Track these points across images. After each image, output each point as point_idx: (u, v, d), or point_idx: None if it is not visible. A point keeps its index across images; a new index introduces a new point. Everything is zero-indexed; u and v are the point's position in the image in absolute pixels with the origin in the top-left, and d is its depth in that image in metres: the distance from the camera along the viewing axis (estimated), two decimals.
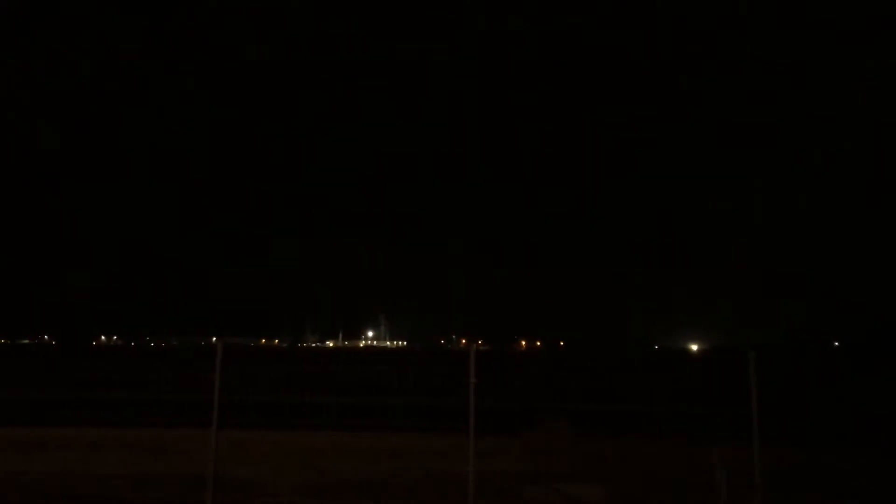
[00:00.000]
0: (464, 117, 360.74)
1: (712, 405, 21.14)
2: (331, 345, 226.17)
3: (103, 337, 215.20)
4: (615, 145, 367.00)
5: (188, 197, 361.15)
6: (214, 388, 8.25)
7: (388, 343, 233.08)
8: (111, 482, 9.81)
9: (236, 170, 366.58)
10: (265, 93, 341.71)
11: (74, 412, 19.25)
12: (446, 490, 9.51)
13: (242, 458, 11.26)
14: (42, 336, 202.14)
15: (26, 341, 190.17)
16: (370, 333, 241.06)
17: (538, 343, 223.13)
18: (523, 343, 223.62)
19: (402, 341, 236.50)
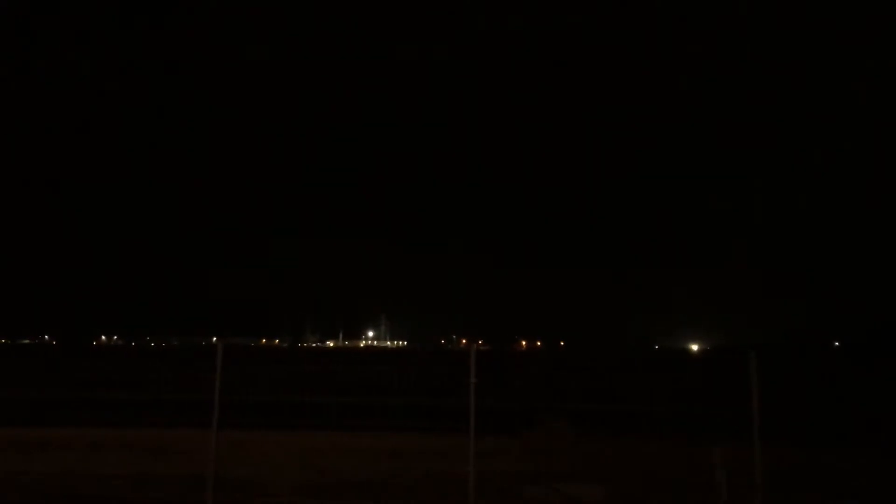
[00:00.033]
0: (464, 117, 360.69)
1: (712, 405, 21.15)
2: (331, 345, 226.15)
3: (104, 337, 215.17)
4: (615, 145, 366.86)
5: (188, 197, 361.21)
6: (215, 388, 8.24)
7: (388, 343, 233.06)
8: (111, 482, 9.81)
9: (236, 170, 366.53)
10: (265, 93, 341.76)
11: (74, 412, 19.25)
12: (446, 490, 9.51)
13: (242, 458, 11.26)
14: (42, 336, 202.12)
15: (27, 341, 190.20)
16: (370, 333, 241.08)
17: (538, 343, 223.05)
18: (523, 343, 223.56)
19: (403, 341, 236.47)
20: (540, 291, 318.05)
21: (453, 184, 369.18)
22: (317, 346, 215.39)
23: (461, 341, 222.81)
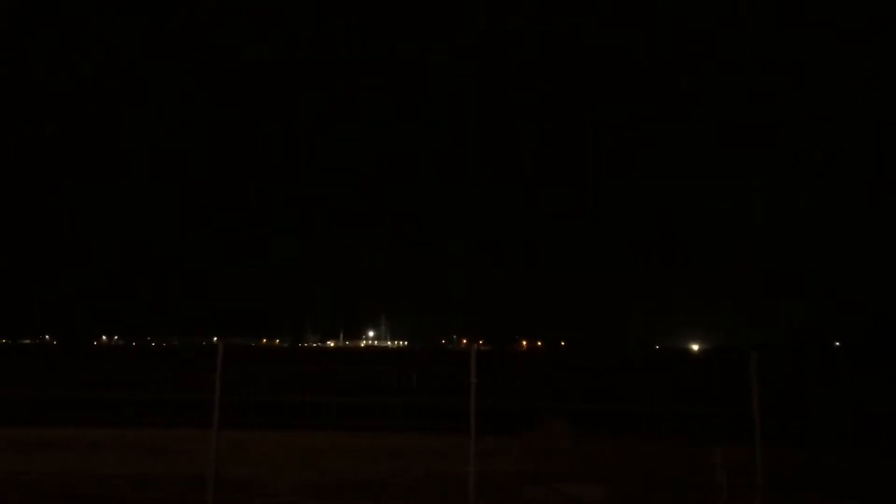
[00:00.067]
0: (464, 117, 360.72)
1: (713, 405, 21.14)
2: (332, 345, 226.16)
3: (104, 337, 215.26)
4: (615, 145, 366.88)
5: (188, 197, 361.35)
6: (215, 388, 8.24)
7: (388, 343, 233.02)
8: (111, 482, 9.80)
9: (236, 170, 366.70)
10: (265, 93, 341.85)
11: (74, 412, 19.25)
12: (446, 490, 9.51)
13: (243, 458, 11.26)
14: (43, 336, 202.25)
15: (27, 341, 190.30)
16: (371, 333, 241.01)
17: (539, 343, 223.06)
18: (524, 343, 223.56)
19: (403, 341, 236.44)
20: (540, 291, 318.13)
21: (453, 184, 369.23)
22: (317, 346, 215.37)
23: (462, 341, 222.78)
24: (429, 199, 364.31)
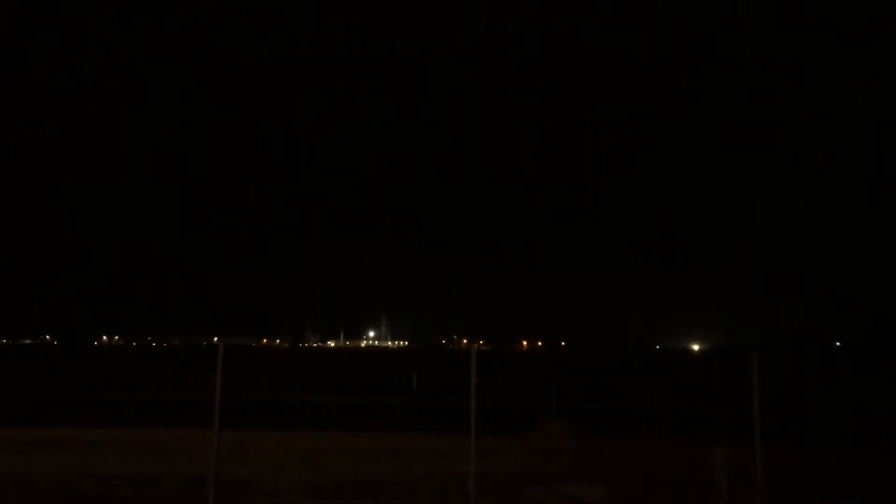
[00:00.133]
0: (464, 117, 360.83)
1: (713, 405, 21.14)
2: (332, 345, 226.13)
3: (105, 337, 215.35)
4: (615, 145, 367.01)
5: (188, 197, 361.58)
6: (216, 388, 8.23)
7: (389, 343, 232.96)
8: (111, 482, 9.80)
9: (236, 170, 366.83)
10: (265, 93, 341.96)
11: (74, 412, 19.27)
12: (446, 490, 9.51)
13: (243, 458, 11.25)
14: (44, 336, 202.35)
15: (28, 341, 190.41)
16: (371, 333, 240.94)
17: (539, 343, 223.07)
18: (524, 343, 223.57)
19: (404, 341, 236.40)
20: (540, 291, 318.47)
21: (453, 184, 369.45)
22: (317, 346, 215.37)
23: (462, 341, 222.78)
24: (429, 199, 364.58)
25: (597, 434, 14.36)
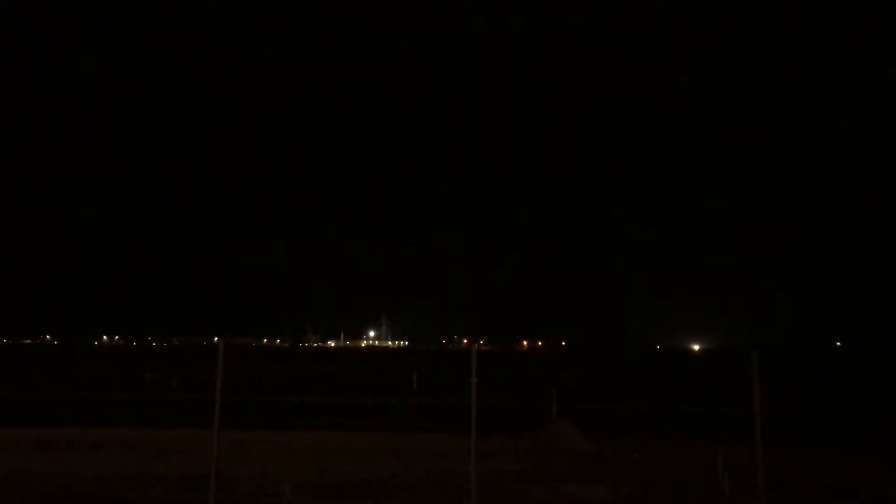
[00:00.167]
0: (464, 117, 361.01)
1: (713, 405, 21.13)
2: (332, 345, 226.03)
3: (105, 337, 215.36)
4: (615, 145, 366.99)
5: (188, 197, 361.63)
6: (216, 387, 8.22)
7: (389, 343, 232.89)
8: (111, 482, 9.80)
9: (236, 170, 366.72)
10: (265, 93, 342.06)
11: (74, 412, 19.27)
12: (447, 490, 9.50)
13: (243, 457, 11.24)
14: (44, 336, 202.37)
15: (28, 341, 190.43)
16: (371, 333, 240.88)
17: (539, 343, 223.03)
18: (525, 343, 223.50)
19: (404, 341, 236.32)
20: (540, 291, 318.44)
21: (453, 184, 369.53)
22: (318, 346, 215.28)
23: (462, 341, 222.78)
24: (429, 199, 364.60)
25: (597, 434, 14.34)
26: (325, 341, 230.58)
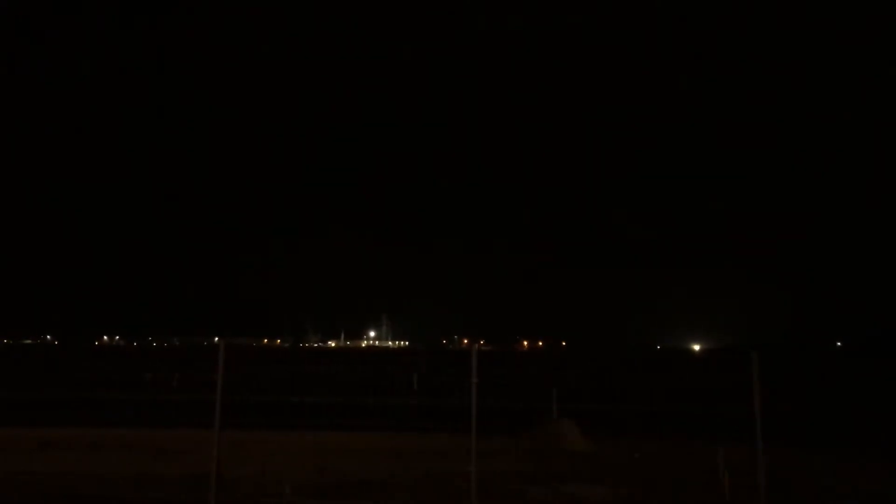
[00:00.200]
0: (464, 117, 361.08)
1: (714, 405, 21.13)
2: (332, 345, 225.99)
3: (105, 337, 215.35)
4: (615, 145, 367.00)
5: (188, 197, 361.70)
6: (217, 387, 8.21)
7: (390, 343, 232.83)
8: (111, 482, 9.80)
9: (236, 170, 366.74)
10: (265, 93, 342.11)
11: (74, 412, 19.27)
12: (447, 490, 9.50)
13: (243, 457, 11.24)
14: (44, 336, 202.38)
15: (29, 341, 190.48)
16: (372, 333, 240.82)
17: (539, 343, 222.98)
18: (525, 343, 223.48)
19: (404, 341, 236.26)
20: (540, 291, 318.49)
21: (453, 184, 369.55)
22: (318, 346, 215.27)
23: (462, 341, 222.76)
24: (429, 199, 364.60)
25: (597, 434, 14.34)
26: (325, 341, 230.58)
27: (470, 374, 8.21)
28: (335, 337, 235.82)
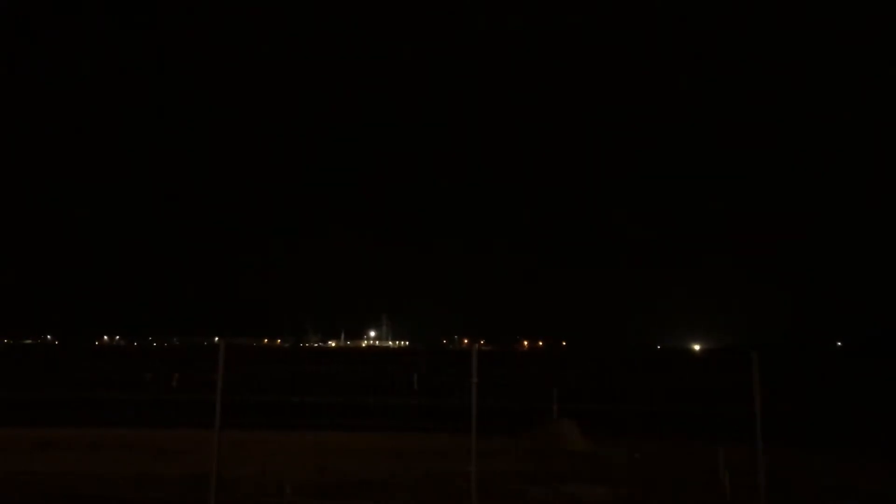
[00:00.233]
0: (464, 117, 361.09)
1: (714, 405, 21.12)
2: (333, 345, 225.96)
3: (105, 337, 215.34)
4: (615, 145, 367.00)
5: (188, 197, 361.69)
6: (217, 387, 8.21)
7: (390, 343, 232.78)
8: (111, 482, 9.80)
9: (236, 170, 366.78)
10: (265, 93, 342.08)
11: (74, 412, 19.27)
12: (447, 490, 9.50)
13: (243, 457, 11.24)
14: (44, 336, 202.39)
15: (29, 341, 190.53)
16: (372, 333, 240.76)
17: (540, 343, 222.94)
18: (525, 343, 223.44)
19: (405, 341, 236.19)
20: (540, 291, 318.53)
21: (453, 184, 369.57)
22: (318, 346, 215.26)
23: (462, 341, 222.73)
24: (429, 199, 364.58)
25: (597, 434, 14.33)
26: (325, 341, 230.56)
27: (470, 374, 8.21)
28: (335, 337, 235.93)
